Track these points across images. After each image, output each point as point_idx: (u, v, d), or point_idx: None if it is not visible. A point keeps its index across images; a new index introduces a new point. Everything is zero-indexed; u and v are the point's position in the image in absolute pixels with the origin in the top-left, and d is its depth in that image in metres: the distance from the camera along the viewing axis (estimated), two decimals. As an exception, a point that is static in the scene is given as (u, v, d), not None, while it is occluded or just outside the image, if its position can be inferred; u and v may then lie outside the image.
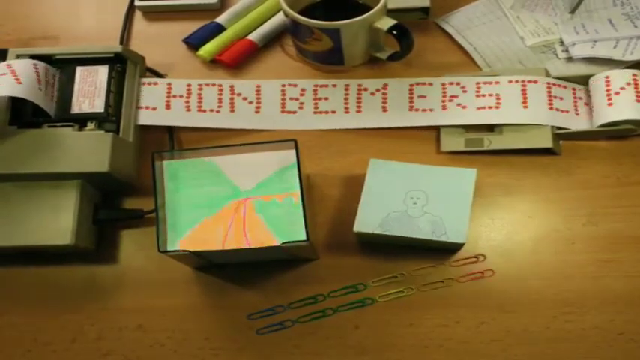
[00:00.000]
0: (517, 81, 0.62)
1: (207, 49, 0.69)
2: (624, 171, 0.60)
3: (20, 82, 0.58)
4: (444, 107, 0.63)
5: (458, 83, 0.64)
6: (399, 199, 0.55)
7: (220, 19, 0.71)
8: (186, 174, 0.54)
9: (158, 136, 0.65)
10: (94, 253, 0.60)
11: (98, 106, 0.61)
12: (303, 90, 0.66)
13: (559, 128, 0.61)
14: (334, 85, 0.65)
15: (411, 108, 0.64)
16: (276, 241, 0.51)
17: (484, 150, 0.61)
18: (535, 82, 0.62)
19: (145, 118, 0.64)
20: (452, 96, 0.63)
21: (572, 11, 0.67)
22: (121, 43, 0.72)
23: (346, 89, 0.65)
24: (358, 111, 0.64)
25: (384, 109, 0.64)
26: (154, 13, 0.75)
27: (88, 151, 0.58)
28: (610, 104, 0.59)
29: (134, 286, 0.59)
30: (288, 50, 0.71)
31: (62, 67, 0.63)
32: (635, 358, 0.53)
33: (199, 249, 0.51)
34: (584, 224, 0.58)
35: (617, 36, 0.65)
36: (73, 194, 0.57)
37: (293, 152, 0.53)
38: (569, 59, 0.65)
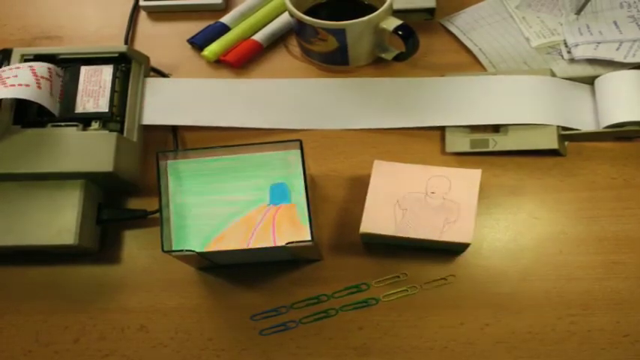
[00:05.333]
0: (522, 82, 0.62)
1: (212, 49, 0.69)
2: (630, 172, 0.59)
3: (28, 85, 0.57)
4: (448, 108, 0.63)
5: (463, 84, 0.63)
6: (405, 200, 0.55)
7: (225, 19, 0.71)
8: (190, 175, 0.54)
9: (162, 136, 0.65)
10: (97, 253, 0.60)
11: (102, 105, 0.61)
12: (306, 90, 0.65)
13: (565, 129, 0.60)
14: (338, 85, 0.65)
15: (415, 108, 0.63)
16: (280, 242, 0.51)
17: (489, 151, 0.61)
18: (540, 83, 0.61)
19: (149, 118, 0.64)
20: (456, 96, 0.63)
21: (578, 12, 0.67)
22: (126, 42, 0.72)
23: (350, 89, 0.65)
24: (362, 111, 0.64)
25: (389, 110, 0.64)
26: (158, 13, 0.75)
27: (92, 151, 0.57)
28: (616, 105, 0.59)
29: (137, 286, 0.59)
30: (293, 50, 0.70)
31: (66, 67, 0.63)
32: (642, 360, 0.53)
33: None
34: (590, 226, 0.58)
35: (621, 38, 0.64)
36: (77, 194, 0.57)
37: (298, 152, 0.53)
38: (575, 60, 0.65)
